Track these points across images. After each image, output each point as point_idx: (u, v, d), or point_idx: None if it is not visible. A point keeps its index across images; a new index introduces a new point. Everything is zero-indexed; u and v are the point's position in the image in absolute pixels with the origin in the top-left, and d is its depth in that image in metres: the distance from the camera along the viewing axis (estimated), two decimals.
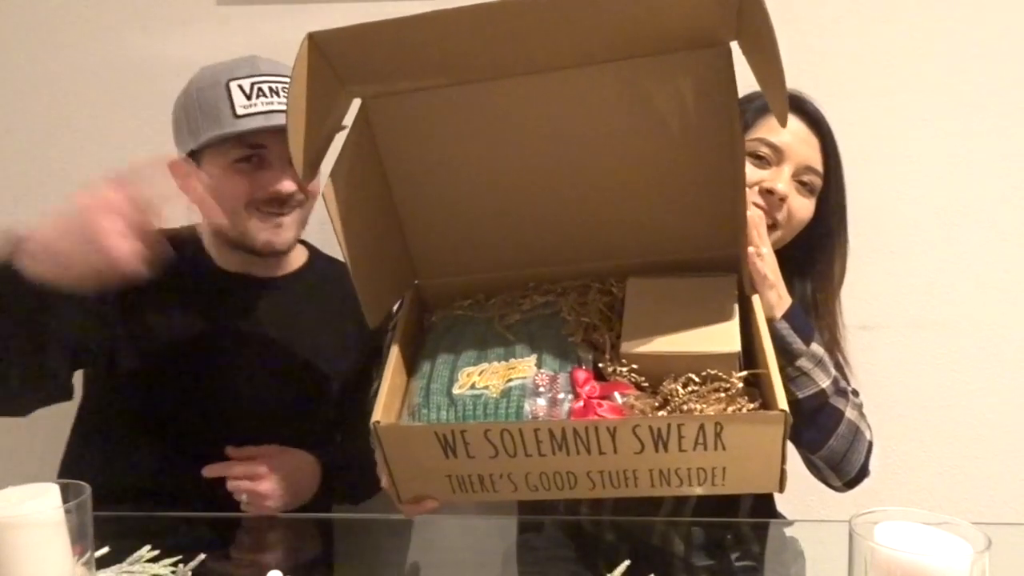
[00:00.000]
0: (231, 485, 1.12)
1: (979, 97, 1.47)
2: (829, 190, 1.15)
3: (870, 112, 1.49)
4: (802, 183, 1.11)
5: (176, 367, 1.21)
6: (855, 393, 1.14)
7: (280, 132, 1.10)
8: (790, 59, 1.50)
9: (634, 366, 0.90)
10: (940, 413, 1.53)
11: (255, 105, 1.12)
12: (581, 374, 0.90)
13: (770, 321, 0.97)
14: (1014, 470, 1.54)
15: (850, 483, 1.11)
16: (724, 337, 0.89)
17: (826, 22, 1.48)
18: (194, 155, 1.17)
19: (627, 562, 0.89)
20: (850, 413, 1.06)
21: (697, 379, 0.88)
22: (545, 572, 1.07)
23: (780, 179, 1.09)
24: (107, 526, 0.81)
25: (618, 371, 0.91)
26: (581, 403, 0.87)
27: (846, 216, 1.20)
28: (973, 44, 1.46)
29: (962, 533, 0.67)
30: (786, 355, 1.00)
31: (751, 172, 1.10)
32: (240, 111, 1.12)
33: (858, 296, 1.51)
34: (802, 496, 1.30)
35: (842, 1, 1.47)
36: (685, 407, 0.86)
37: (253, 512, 1.12)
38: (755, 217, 0.97)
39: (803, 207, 1.12)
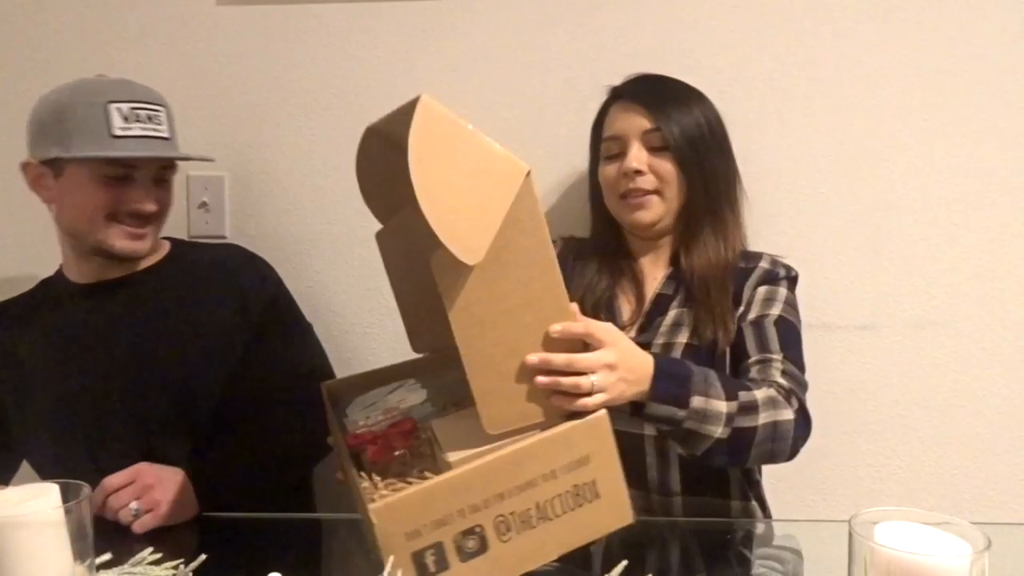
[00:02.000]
0: (115, 501, 1.11)
1: (979, 97, 1.47)
2: (674, 140, 1.22)
3: (870, 112, 1.49)
4: (651, 148, 1.23)
5: (63, 389, 1.26)
6: (763, 368, 1.15)
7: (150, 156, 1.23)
8: (785, 57, 1.51)
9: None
10: (940, 413, 1.53)
11: (131, 129, 1.21)
12: (409, 424, 1.00)
13: (645, 407, 0.98)
14: (1014, 470, 1.54)
15: (791, 458, 1.11)
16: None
17: (826, 21, 1.48)
18: (53, 161, 1.22)
19: (625, 561, 0.89)
20: (763, 419, 1.05)
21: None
22: (543, 571, 1.07)
23: (631, 159, 1.22)
24: (108, 526, 0.82)
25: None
26: (379, 428, 1.00)
27: (710, 164, 1.24)
28: (973, 44, 1.46)
29: (962, 533, 0.67)
30: (671, 424, 1.00)
31: (614, 169, 1.26)
32: (117, 132, 1.20)
33: (858, 296, 1.51)
34: (802, 496, 1.30)
35: (842, 0, 1.48)
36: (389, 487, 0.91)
37: (145, 525, 1.10)
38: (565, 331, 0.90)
39: (664, 163, 1.23)
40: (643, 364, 0.96)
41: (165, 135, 1.26)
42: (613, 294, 1.29)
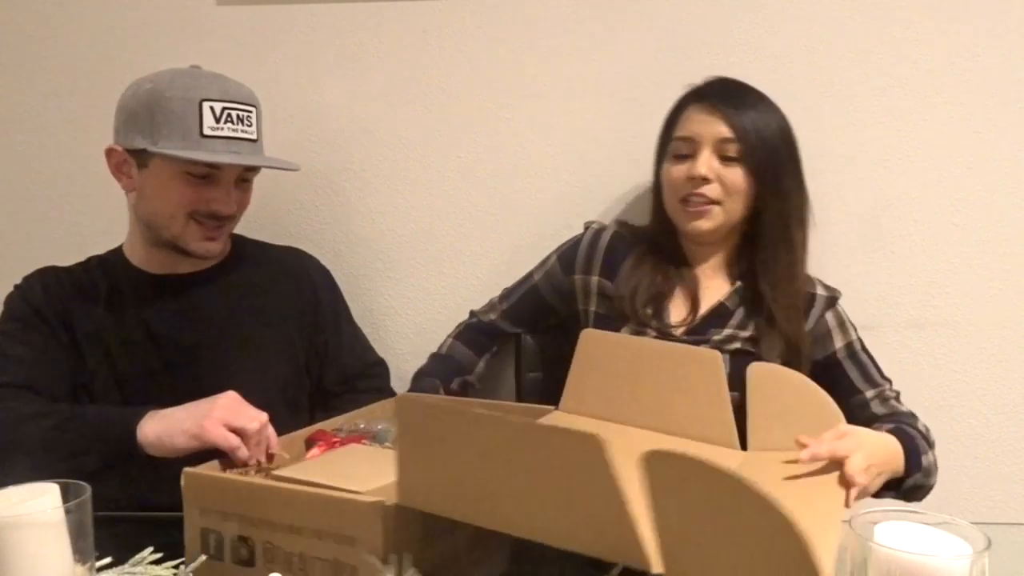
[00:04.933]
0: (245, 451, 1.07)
1: (979, 97, 1.47)
2: (751, 154, 1.21)
3: (870, 112, 1.49)
4: (724, 156, 1.21)
5: (134, 381, 1.24)
6: (884, 402, 1.25)
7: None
8: (785, 56, 1.52)
9: None
10: (940, 413, 1.53)
11: (221, 129, 1.20)
12: (359, 440, 1.05)
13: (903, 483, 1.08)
14: (1014, 470, 1.54)
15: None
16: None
17: (826, 21, 1.48)
18: (138, 152, 1.20)
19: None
20: (929, 456, 1.14)
21: None
22: (544, 572, 1.07)
23: (700, 163, 1.20)
24: (109, 527, 0.82)
25: None
26: (340, 436, 1.05)
27: (785, 182, 1.23)
28: (973, 44, 1.46)
29: (962, 533, 0.67)
30: (918, 489, 1.13)
31: (680, 171, 1.24)
32: (207, 131, 1.19)
33: (858, 296, 1.51)
34: None
35: (843, 1, 1.47)
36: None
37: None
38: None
39: (734, 175, 1.21)
40: (887, 448, 1.02)
41: (252, 137, 1.25)
42: (663, 293, 1.29)
